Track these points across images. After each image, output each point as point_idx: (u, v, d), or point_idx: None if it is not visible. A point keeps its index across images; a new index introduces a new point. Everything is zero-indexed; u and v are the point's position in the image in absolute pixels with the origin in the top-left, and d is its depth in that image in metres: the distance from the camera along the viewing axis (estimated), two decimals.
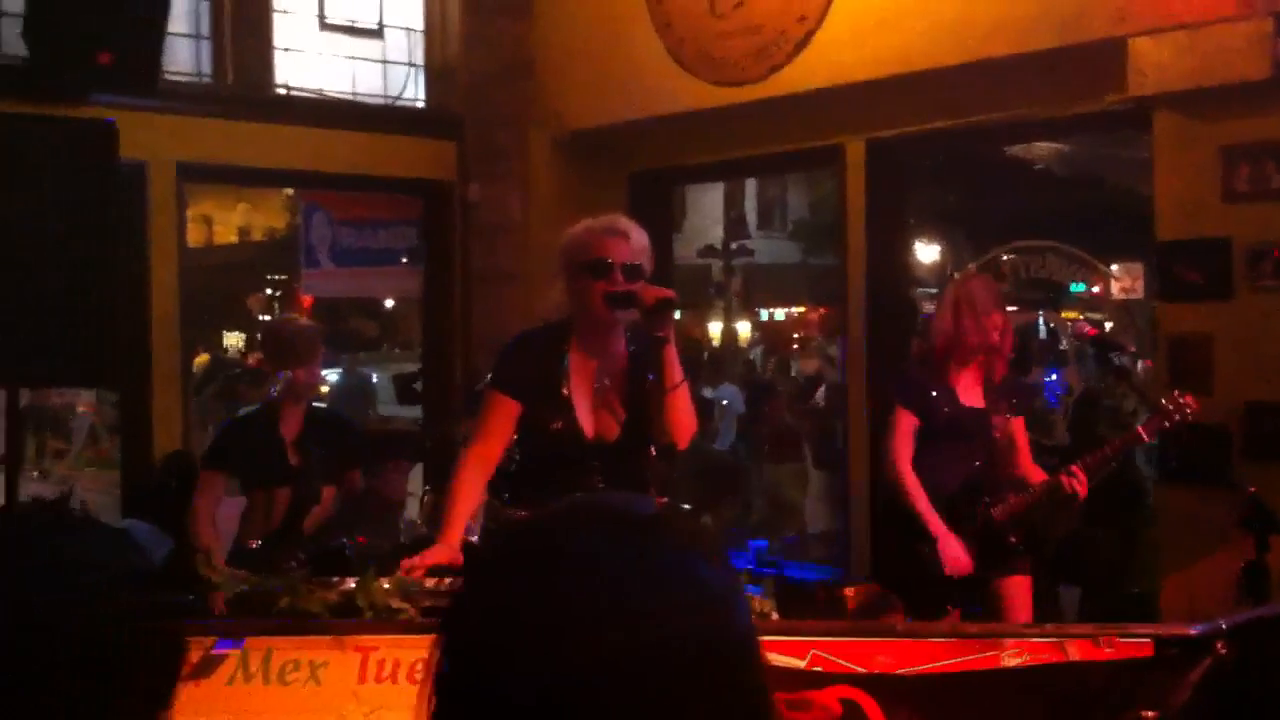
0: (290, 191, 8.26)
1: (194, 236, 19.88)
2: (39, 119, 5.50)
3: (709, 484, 7.52)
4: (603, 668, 0.93)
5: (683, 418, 3.76)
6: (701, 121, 7.32)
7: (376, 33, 8.18)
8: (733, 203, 22.59)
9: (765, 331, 22.16)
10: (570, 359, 3.83)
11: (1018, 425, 4.96)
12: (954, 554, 4.72)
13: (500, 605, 0.98)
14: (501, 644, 0.97)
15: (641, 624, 0.94)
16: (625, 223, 3.84)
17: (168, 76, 6.97)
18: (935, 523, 4.74)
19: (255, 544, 4.87)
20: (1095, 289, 9.83)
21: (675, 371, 3.70)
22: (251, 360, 12.61)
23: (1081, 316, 11.88)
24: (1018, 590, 4.81)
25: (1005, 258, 7.71)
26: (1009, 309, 8.35)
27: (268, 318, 16.30)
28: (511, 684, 0.95)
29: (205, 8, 7.52)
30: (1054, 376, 9.66)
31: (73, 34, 6.13)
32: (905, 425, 4.89)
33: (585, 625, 0.94)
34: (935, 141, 7.08)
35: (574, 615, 0.95)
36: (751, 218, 23.91)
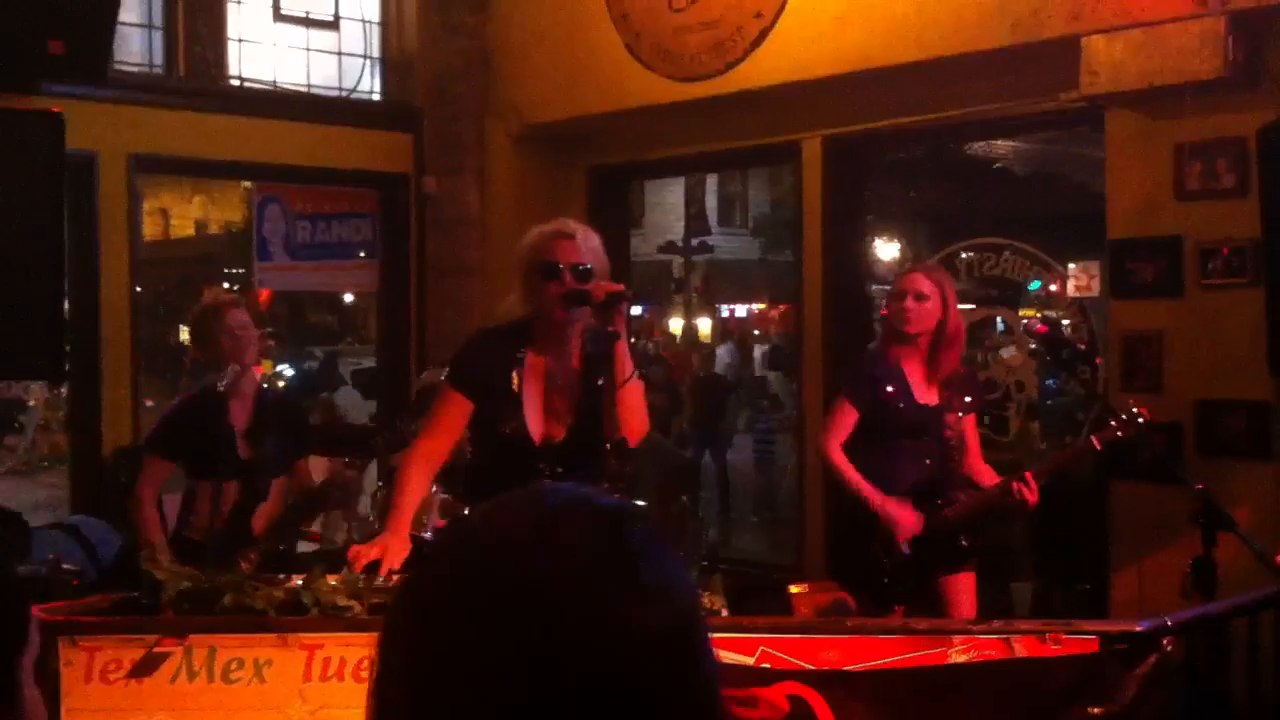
0: (248, 185, 8.18)
1: (150, 230, 19.74)
2: None
3: (666, 480, 7.51)
4: (549, 656, 0.91)
5: (634, 414, 3.81)
6: (660, 116, 7.31)
7: (332, 24, 8.12)
8: (694, 199, 22.60)
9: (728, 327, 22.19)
10: (526, 360, 3.89)
11: (969, 423, 4.98)
12: (902, 518, 4.73)
13: (439, 594, 0.97)
14: (441, 634, 0.95)
15: (610, 613, 0.93)
16: (573, 225, 3.96)
17: (120, 67, 6.89)
18: (871, 492, 4.75)
19: (195, 536, 4.81)
20: (1053, 287, 9.88)
21: (626, 366, 3.73)
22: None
23: (1038, 314, 11.96)
24: (963, 587, 4.84)
25: (962, 255, 7.73)
26: (966, 306, 8.42)
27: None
28: (453, 676, 0.93)
29: None
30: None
31: (23, 23, 6.03)
32: (842, 413, 4.90)
33: (550, 614, 0.92)
34: (892, 139, 7.09)
35: (514, 603, 0.93)
36: (713, 214, 23.95)
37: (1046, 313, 11.32)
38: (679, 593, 0.98)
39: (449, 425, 3.92)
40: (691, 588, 1.02)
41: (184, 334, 19.95)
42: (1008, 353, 7.14)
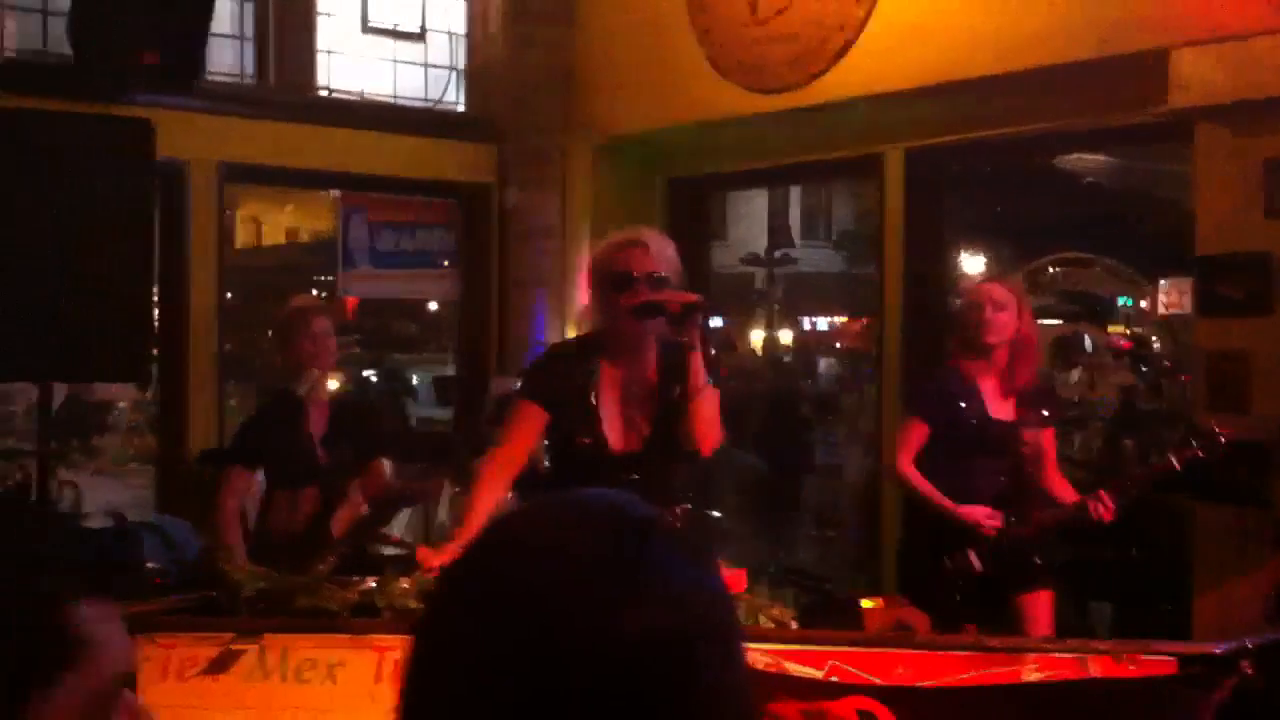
0: (337, 194, 8.31)
1: (243, 237, 20.07)
2: (77, 117, 5.56)
3: (741, 492, 7.49)
4: (545, 658, 0.92)
5: (707, 425, 3.77)
6: (740, 129, 7.31)
7: (419, 36, 8.22)
8: (777, 211, 22.51)
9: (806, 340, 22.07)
10: (600, 371, 3.87)
11: (1047, 436, 4.91)
12: (978, 514, 4.68)
13: (447, 594, 0.99)
14: (443, 633, 0.97)
15: (607, 618, 0.93)
16: (645, 233, 3.91)
17: (211, 77, 7.03)
18: (946, 501, 4.71)
19: (275, 540, 4.87)
20: (1143, 303, 9.74)
21: (699, 377, 3.70)
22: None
23: (1127, 331, 11.80)
24: (1039, 605, 4.77)
25: (1049, 269, 7.64)
26: (1052, 321, 8.33)
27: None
28: (452, 674, 0.95)
29: (249, 9, 7.58)
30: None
31: (117, 34, 6.18)
32: (912, 431, 4.89)
33: (547, 617, 0.93)
34: (974, 152, 7.02)
35: (533, 607, 0.94)
36: (796, 226, 23.83)
37: (1134, 330, 11.17)
38: (688, 601, 0.97)
39: (523, 436, 3.93)
40: (708, 597, 1.01)
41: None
42: (1076, 374, 7.05)
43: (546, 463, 4.27)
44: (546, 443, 4.11)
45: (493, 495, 3.91)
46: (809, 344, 20.76)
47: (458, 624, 0.97)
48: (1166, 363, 6.18)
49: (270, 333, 5.23)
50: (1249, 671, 3.01)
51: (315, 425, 5.01)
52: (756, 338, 20.71)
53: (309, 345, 5.02)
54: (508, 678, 0.92)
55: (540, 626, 0.93)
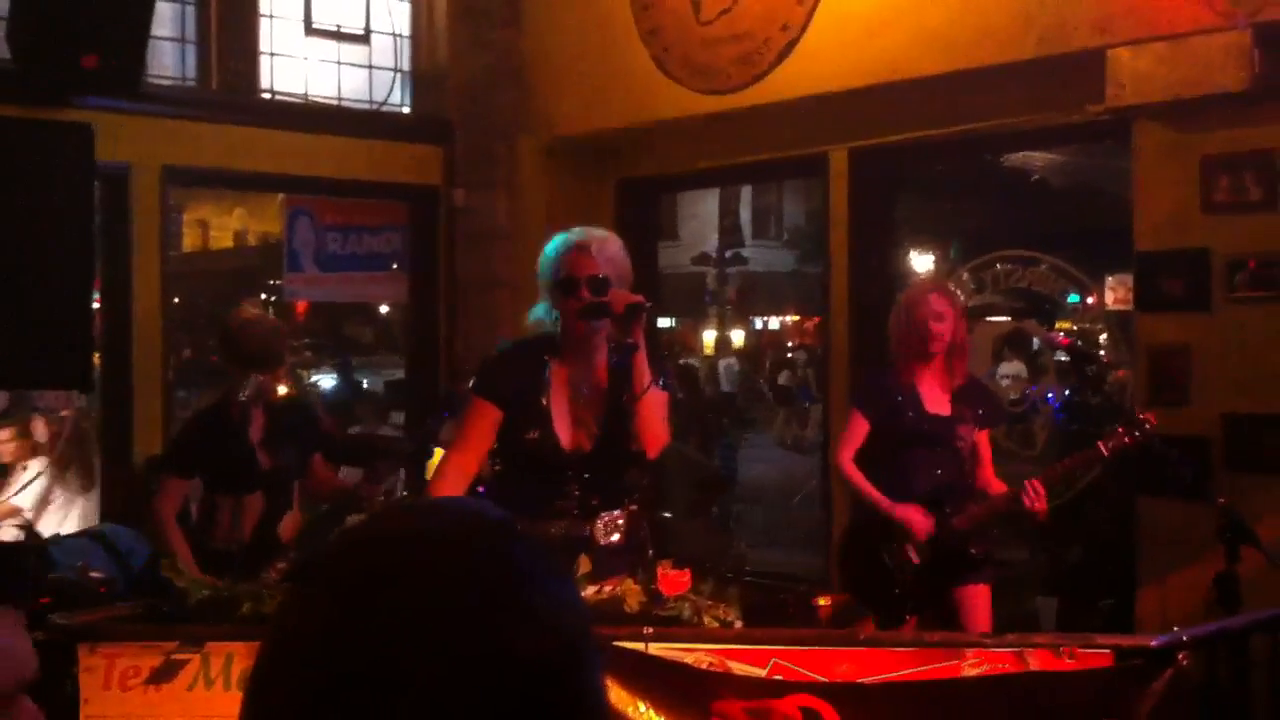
0: (284, 196, 8.28)
1: (189, 241, 19.90)
2: (17, 122, 5.51)
3: (693, 492, 7.50)
4: (408, 675, 0.89)
5: (652, 426, 3.77)
6: (688, 129, 7.33)
7: (363, 38, 8.18)
8: (728, 211, 22.60)
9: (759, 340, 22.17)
10: (552, 370, 3.88)
11: (982, 437, 5.02)
12: (915, 519, 4.78)
13: (310, 609, 0.95)
14: (294, 643, 0.93)
15: (462, 632, 0.90)
16: (590, 234, 3.88)
17: (153, 80, 6.97)
18: (882, 499, 4.81)
19: (219, 547, 4.82)
20: (1090, 300, 9.84)
21: (644, 377, 3.71)
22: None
23: (1073, 328, 11.92)
24: (977, 599, 4.84)
25: (996, 266, 7.70)
26: (999, 319, 8.41)
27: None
28: (309, 688, 0.91)
29: (191, 11, 7.52)
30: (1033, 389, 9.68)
31: (57, 37, 6.12)
32: (853, 426, 5.02)
33: (382, 636, 0.90)
34: (919, 150, 7.07)
35: (365, 625, 0.90)
36: (747, 226, 23.93)
37: (1080, 325, 11.29)
38: (566, 619, 0.94)
39: (479, 436, 3.89)
40: (579, 609, 0.98)
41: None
42: (1008, 368, 7.12)
43: (497, 464, 4.24)
44: (496, 443, 4.08)
45: (451, 495, 3.88)
46: (761, 344, 20.87)
47: (308, 628, 0.92)
48: (1104, 356, 6.25)
49: (221, 336, 5.15)
50: (1185, 662, 3.05)
51: (254, 428, 4.96)
52: (708, 337, 20.80)
53: (256, 349, 4.96)
54: (354, 684, 0.89)
55: (404, 644, 0.89)
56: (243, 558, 4.61)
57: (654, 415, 3.78)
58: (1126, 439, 4.53)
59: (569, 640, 0.94)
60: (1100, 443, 4.63)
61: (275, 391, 5.04)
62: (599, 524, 3.74)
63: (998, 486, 4.94)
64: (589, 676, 0.94)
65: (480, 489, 4.08)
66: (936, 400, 4.95)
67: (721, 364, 18.05)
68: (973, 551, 4.81)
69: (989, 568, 4.94)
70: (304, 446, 5.12)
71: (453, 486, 3.84)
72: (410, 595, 0.91)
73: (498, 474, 4.14)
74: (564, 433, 3.85)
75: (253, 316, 5.25)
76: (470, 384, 4.09)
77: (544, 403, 3.85)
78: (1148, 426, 4.52)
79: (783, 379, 18.16)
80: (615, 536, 3.75)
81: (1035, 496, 4.62)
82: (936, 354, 4.93)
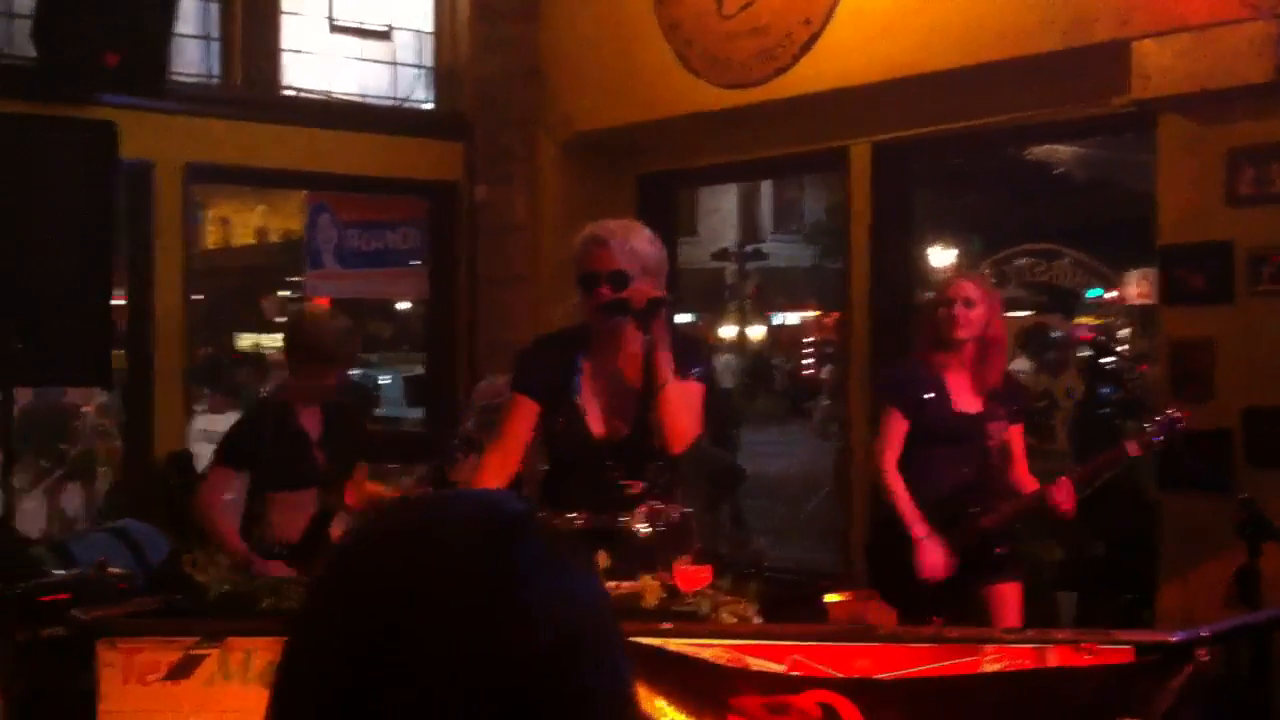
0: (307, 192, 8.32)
1: (212, 238, 19.96)
2: (41, 119, 5.53)
3: (712, 485, 7.50)
4: (404, 669, 0.90)
5: (673, 419, 3.74)
6: (708, 124, 7.31)
7: (385, 35, 8.20)
8: (748, 206, 22.55)
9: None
10: (584, 363, 3.88)
11: (1015, 432, 4.92)
12: (932, 559, 4.70)
13: (314, 593, 0.96)
14: (303, 637, 0.94)
15: (454, 627, 0.90)
16: (611, 227, 3.85)
17: (176, 77, 7.00)
18: (917, 525, 4.72)
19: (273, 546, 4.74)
20: (1113, 294, 9.79)
21: (664, 372, 3.69)
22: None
23: (1096, 322, 11.87)
24: (1007, 597, 4.78)
25: (1016, 261, 7.67)
26: (1021, 313, 8.37)
27: (283, 319, 16.26)
28: (334, 681, 0.92)
29: (214, 9, 7.55)
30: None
31: (81, 35, 6.15)
32: (893, 426, 4.87)
33: (387, 625, 0.90)
34: (941, 144, 7.04)
35: (382, 617, 0.91)
36: (767, 221, 23.88)
37: (1096, 321, 11.24)
38: (564, 614, 0.93)
39: (518, 431, 3.86)
40: (588, 606, 0.97)
41: (241, 341, 20.18)
42: (1020, 364, 7.08)
43: (544, 465, 4.20)
44: (539, 442, 4.05)
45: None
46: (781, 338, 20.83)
47: (322, 627, 0.94)
48: (1125, 351, 6.22)
49: (290, 330, 5.08)
50: (1205, 658, 3.03)
51: (310, 425, 4.87)
52: (728, 333, 20.78)
53: (330, 345, 4.90)
54: (371, 685, 0.90)
55: (401, 638, 0.90)
56: (297, 556, 4.54)
57: (681, 409, 3.75)
58: (1155, 437, 4.47)
59: (568, 637, 0.93)
60: (1128, 441, 4.58)
61: (334, 390, 4.99)
62: (639, 514, 3.72)
63: (1030, 484, 4.86)
64: (592, 672, 0.94)
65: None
66: (965, 396, 4.85)
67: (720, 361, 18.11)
68: (998, 551, 4.76)
69: (1019, 566, 4.88)
70: (357, 447, 5.06)
71: (493, 481, 3.82)
72: (403, 595, 0.92)
73: (546, 473, 4.13)
74: (595, 422, 3.85)
75: (324, 312, 5.21)
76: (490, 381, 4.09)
77: (577, 397, 3.85)
78: (1178, 426, 4.46)
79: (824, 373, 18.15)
80: (656, 526, 3.72)
81: (1064, 496, 4.57)
82: (963, 343, 4.81)
